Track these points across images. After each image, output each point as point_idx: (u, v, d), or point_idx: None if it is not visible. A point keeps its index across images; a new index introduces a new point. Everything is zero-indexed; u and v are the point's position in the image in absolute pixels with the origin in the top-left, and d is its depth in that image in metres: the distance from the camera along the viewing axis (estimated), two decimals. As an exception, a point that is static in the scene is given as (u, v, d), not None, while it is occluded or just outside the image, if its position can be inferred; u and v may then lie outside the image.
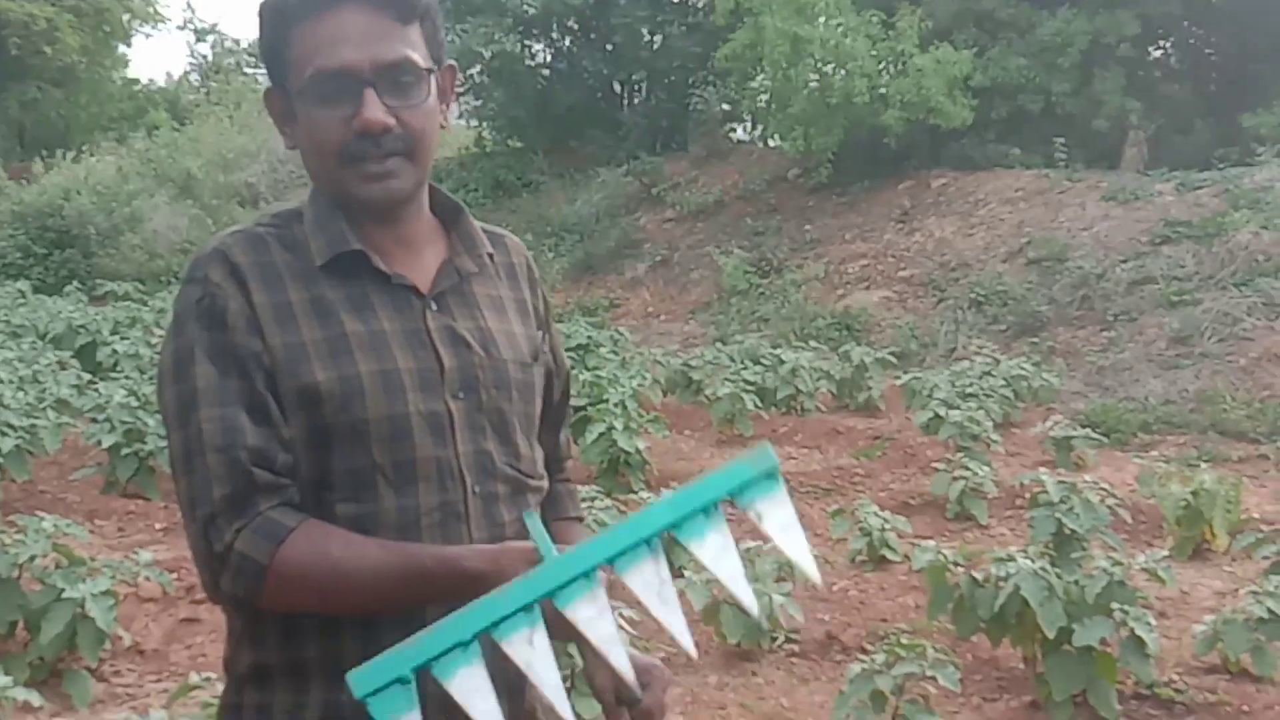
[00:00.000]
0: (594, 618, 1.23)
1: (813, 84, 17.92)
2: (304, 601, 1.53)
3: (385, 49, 1.58)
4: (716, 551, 1.25)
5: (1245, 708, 4.92)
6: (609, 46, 23.50)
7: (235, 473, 1.51)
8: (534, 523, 1.43)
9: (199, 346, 1.56)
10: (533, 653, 1.22)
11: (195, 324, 1.57)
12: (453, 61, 1.73)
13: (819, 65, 17.53)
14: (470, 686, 1.22)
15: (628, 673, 1.23)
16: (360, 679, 1.23)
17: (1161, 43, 17.57)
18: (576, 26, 24.08)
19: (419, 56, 1.62)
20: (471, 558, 1.49)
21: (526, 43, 23.93)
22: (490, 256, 1.76)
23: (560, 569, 1.26)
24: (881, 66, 17.48)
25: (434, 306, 1.65)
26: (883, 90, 17.29)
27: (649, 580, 1.24)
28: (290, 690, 1.59)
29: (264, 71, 1.71)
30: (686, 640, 1.25)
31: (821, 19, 17.73)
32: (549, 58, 24.73)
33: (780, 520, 1.26)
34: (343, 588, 1.50)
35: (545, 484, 1.74)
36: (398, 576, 1.49)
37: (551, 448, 1.84)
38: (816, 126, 17.89)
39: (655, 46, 23.35)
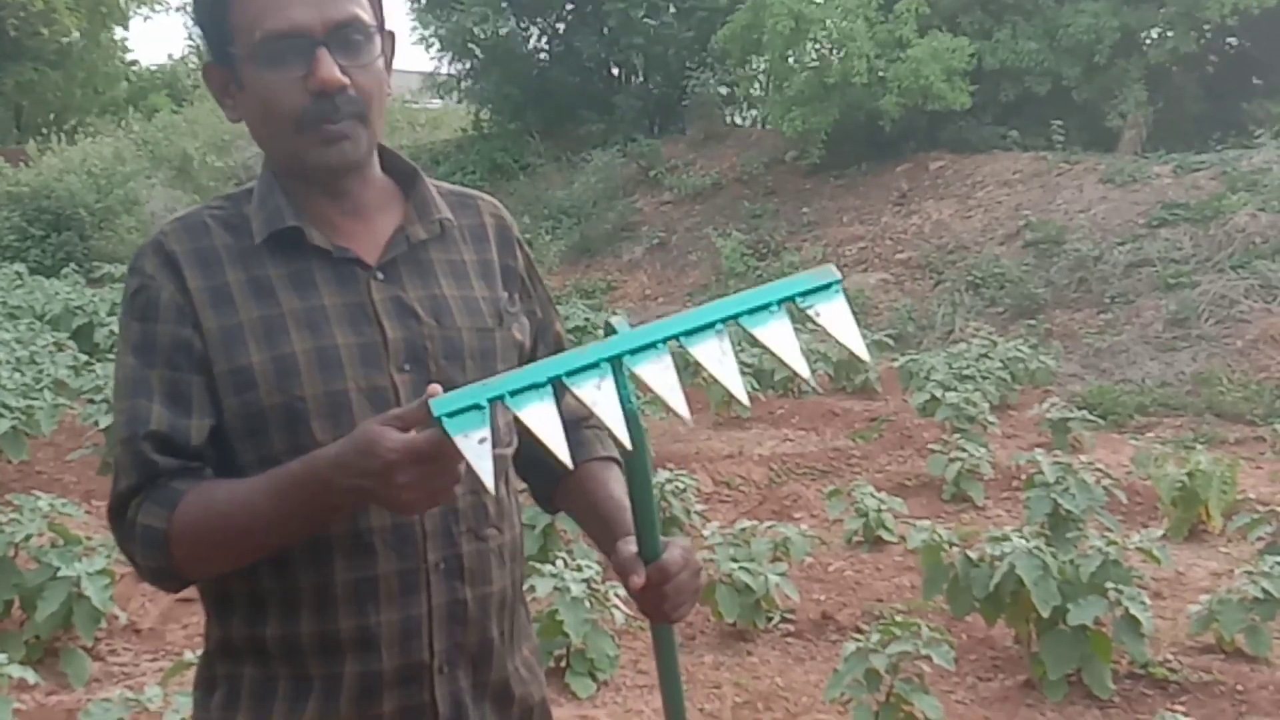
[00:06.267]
0: (660, 372, 1.36)
1: (811, 64, 17.84)
2: (207, 557, 1.52)
3: (335, 7, 1.55)
4: (777, 335, 1.41)
5: (1239, 687, 4.93)
6: (605, 29, 23.41)
7: (138, 461, 1.52)
8: (620, 322, 1.42)
9: (128, 338, 1.57)
10: (599, 395, 1.34)
11: (128, 315, 1.58)
12: (391, 29, 1.69)
13: (818, 46, 17.46)
14: (540, 416, 1.31)
15: (682, 408, 1.34)
16: (440, 403, 1.30)
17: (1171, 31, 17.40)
18: (572, 9, 24.00)
19: (367, 15, 1.59)
20: (329, 447, 1.43)
21: (522, 25, 23.85)
22: (446, 221, 1.70)
23: (633, 338, 1.37)
24: (879, 52, 17.41)
25: (380, 277, 1.62)
26: (881, 74, 17.23)
27: (712, 353, 1.39)
28: (257, 665, 1.60)
29: None
30: (740, 393, 1.40)
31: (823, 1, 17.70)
32: (546, 40, 24.65)
33: (836, 317, 1.41)
34: (231, 527, 1.48)
35: (509, 450, 1.68)
36: (273, 494, 1.46)
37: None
38: (812, 106, 17.84)
39: (652, 29, 23.27)
